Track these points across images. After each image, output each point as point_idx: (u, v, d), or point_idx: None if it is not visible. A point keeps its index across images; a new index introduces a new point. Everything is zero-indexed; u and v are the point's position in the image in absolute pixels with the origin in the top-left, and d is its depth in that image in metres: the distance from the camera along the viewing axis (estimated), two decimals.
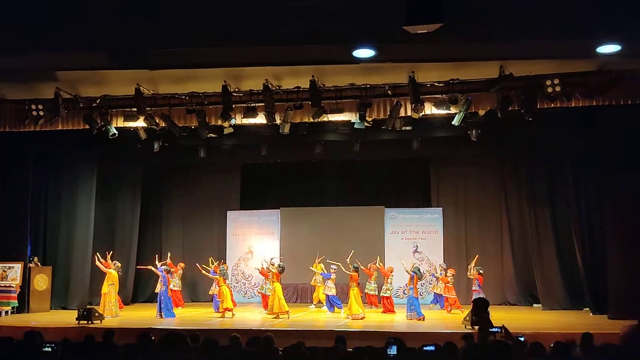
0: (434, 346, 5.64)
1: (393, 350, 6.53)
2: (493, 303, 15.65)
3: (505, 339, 6.31)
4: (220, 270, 15.34)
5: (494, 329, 6.72)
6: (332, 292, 15.33)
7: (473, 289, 14.69)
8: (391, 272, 15.81)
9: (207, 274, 16.01)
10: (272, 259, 16.09)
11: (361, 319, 13.91)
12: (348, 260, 15.26)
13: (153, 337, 6.90)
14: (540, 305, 16.14)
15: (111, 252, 15.72)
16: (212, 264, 16.44)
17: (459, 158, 17.82)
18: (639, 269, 13.03)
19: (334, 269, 15.44)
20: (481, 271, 14.90)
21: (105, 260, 15.21)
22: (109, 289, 14.69)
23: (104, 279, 14.92)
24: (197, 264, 16.72)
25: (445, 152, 17.30)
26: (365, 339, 9.67)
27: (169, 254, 17.00)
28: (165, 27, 7.96)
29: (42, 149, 15.76)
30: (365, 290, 16.15)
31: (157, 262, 15.98)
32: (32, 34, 7.98)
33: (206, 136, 14.12)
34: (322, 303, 16.13)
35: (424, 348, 5.49)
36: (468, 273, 15.12)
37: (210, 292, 15.67)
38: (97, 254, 15.38)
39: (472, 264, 15.06)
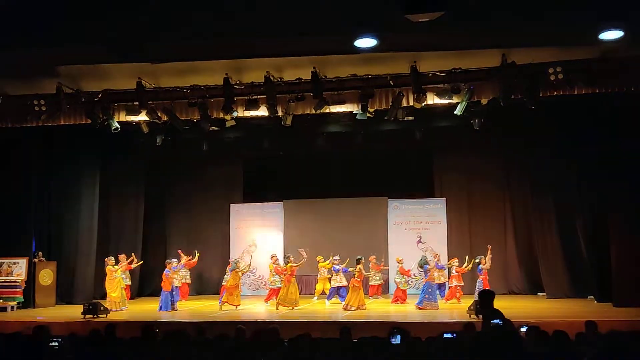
0: (454, 334, 5.62)
1: (397, 340, 6.56)
2: (497, 292, 15.51)
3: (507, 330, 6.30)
4: (234, 263, 15.35)
5: (495, 322, 6.71)
6: (344, 283, 15.31)
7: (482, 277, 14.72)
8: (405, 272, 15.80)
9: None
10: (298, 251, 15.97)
11: (364, 309, 14.00)
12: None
13: (157, 330, 6.94)
14: (544, 293, 16.14)
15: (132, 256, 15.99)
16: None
17: (461, 148, 17.77)
18: None
19: (337, 260, 15.48)
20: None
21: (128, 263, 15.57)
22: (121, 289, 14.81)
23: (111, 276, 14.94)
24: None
25: (448, 141, 17.26)
26: (370, 330, 9.70)
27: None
28: (166, 20, 7.95)
29: (44, 144, 15.76)
30: (371, 283, 16.15)
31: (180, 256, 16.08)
32: (33, 28, 7.97)
33: (208, 129, 14.11)
34: (326, 294, 16.12)
35: (444, 335, 5.50)
36: (483, 265, 15.00)
37: (223, 284, 15.67)
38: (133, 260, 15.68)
39: (488, 256, 14.96)
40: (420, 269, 15.28)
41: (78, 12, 7.64)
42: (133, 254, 16.21)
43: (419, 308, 13.79)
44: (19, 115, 13.55)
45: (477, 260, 14.90)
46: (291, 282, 14.57)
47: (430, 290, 14.02)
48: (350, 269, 14.99)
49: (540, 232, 16.26)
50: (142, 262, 16.57)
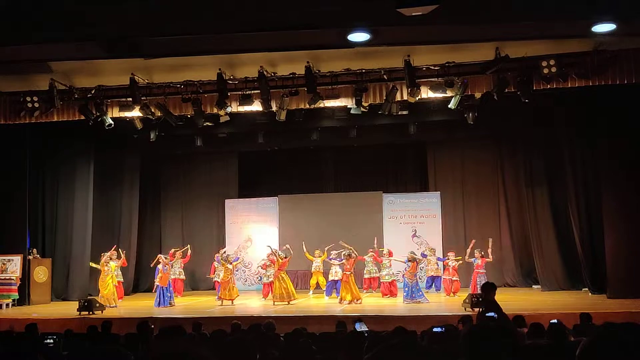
0: (443, 327, 5.65)
1: (361, 328, 6.73)
2: None
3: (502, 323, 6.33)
4: (225, 257, 15.33)
5: (490, 314, 6.74)
6: (339, 276, 15.29)
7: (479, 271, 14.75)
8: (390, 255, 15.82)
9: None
10: (285, 247, 15.96)
11: (359, 303, 14.02)
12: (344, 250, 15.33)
13: (152, 326, 6.93)
14: (539, 286, 16.21)
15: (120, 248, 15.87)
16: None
17: (455, 141, 17.81)
18: (637, 248, 13.08)
19: (335, 255, 15.50)
20: (482, 253, 14.98)
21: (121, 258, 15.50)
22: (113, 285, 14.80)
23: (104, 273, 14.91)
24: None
25: (442, 135, 17.29)
26: (366, 324, 9.70)
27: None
28: (159, 15, 7.92)
29: (38, 140, 15.70)
30: (365, 276, 16.16)
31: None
32: (25, 24, 7.92)
33: (202, 125, 14.07)
34: (320, 289, 16.13)
35: (434, 329, 5.52)
36: (467, 257, 15.01)
37: (216, 279, 15.65)
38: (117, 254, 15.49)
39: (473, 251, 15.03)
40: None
41: (71, 8, 7.61)
42: (115, 246, 16.08)
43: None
44: (12, 112, 13.48)
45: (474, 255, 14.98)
46: (278, 277, 14.53)
47: (407, 288, 13.99)
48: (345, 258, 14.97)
49: (534, 225, 16.30)
50: (114, 246, 16.10)
